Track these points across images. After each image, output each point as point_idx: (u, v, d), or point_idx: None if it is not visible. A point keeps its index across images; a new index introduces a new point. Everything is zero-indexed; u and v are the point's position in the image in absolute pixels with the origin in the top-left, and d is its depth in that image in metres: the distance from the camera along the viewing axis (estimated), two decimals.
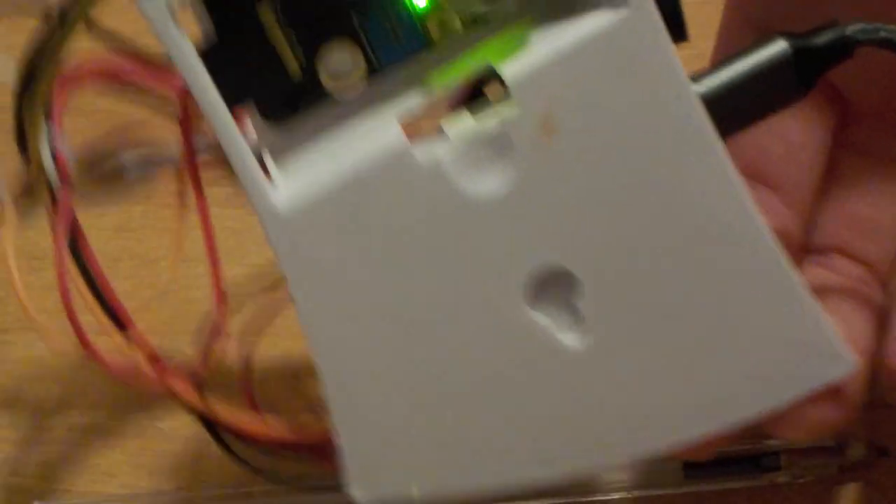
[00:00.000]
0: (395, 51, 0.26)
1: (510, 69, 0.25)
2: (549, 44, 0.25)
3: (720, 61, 0.27)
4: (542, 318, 0.26)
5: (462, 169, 0.25)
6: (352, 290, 0.26)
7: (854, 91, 0.31)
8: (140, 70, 0.30)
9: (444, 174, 0.25)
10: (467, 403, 0.27)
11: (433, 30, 0.26)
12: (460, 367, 0.26)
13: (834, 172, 0.32)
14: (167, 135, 0.32)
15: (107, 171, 0.31)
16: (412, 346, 0.26)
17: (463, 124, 0.25)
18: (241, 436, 0.29)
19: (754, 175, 0.30)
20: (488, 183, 0.25)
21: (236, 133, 0.24)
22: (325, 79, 0.26)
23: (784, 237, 0.27)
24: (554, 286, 0.26)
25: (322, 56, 0.26)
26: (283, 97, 0.26)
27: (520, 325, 0.26)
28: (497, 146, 0.25)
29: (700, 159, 0.26)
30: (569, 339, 0.26)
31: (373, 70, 0.26)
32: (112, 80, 0.31)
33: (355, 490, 0.27)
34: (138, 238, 0.41)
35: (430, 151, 0.25)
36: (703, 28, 0.28)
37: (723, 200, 0.26)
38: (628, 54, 0.25)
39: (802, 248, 0.32)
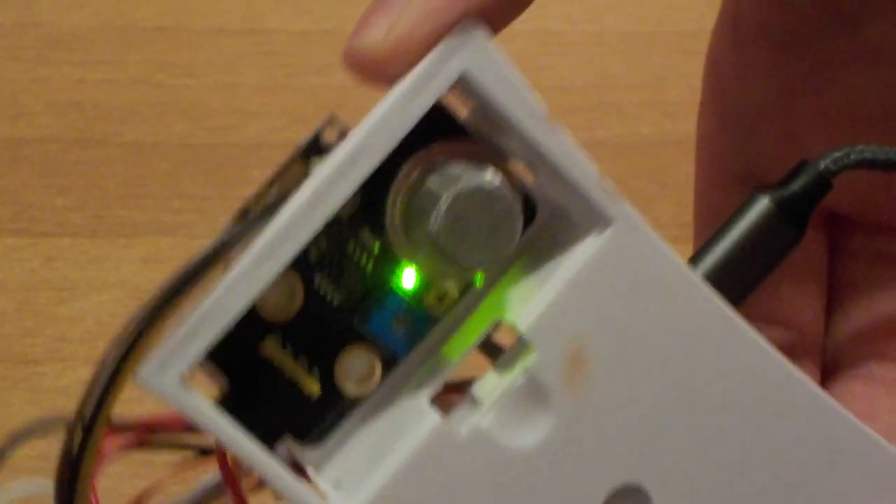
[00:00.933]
0: (406, 339, 0.26)
1: (521, 320, 0.25)
2: (548, 283, 0.25)
3: (713, 236, 0.27)
4: None
5: (503, 428, 0.25)
6: None
7: (841, 204, 0.31)
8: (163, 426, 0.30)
9: (487, 439, 0.25)
10: None
11: (432, 306, 0.26)
12: None
13: (838, 280, 0.32)
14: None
15: None
16: None
17: (490, 384, 0.25)
18: None
19: (766, 317, 0.31)
20: (532, 433, 0.25)
21: (279, 471, 0.24)
22: (346, 388, 0.26)
23: (813, 366, 0.28)
24: (626, 500, 0.26)
25: (338, 368, 0.26)
26: (312, 419, 0.26)
27: None
28: (530, 396, 0.25)
29: (723, 339, 0.26)
30: None
31: (389, 363, 0.26)
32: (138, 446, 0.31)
33: None
34: None
35: (468, 421, 0.25)
36: None
37: (757, 369, 0.26)
38: (626, 267, 0.25)
39: (834, 366, 0.32)
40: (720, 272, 0.27)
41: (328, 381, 0.26)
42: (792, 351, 0.27)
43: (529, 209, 0.26)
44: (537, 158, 0.25)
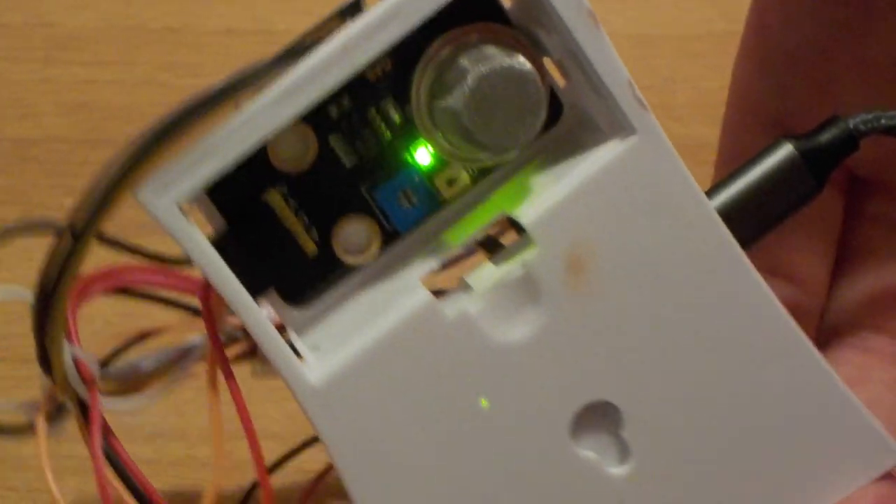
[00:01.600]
0: (409, 215, 0.26)
1: (527, 214, 0.25)
2: (561, 182, 0.25)
3: (732, 173, 0.27)
4: (589, 454, 0.26)
5: (491, 318, 0.25)
6: (395, 451, 0.25)
7: (864, 167, 0.31)
8: (150, 273, 0.30)
9: (473, 326, 0.25)
10: None
11: (442, 188, 0.26)
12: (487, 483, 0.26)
13: (849, 245, 0.32)
14: (185, 330, 0.32)
15: (129, 374, 0.31)
16: (461, 499, 0.26)
17: (486, 274, 0.25)
18: None
19: (770, 269, 0.30)
20: (520, 329, 0.25)
21: (263, 319, 0.24)
22: (342, 254, 0.26)
23: (809, 327, 0.27)
24: (598, 417, 0.26)
25: (337, 233, 0.26)
26: (303, 278, 0.26)
27: (568, 463, 0.26)
28: (524, 291, 0.25)
29: (727, 275, 0.26)
30: (616, 470, 0.26)
31: (389, 238, 0.26)
32: (123, 287, 0.31)
33: None
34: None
35: (457, 305, 0.25)
36: None
37: (755, 312, 0.26)
38: (643, 181, 0.25)
39: (832, 332, 0.32)
40: (733, 209, 0.27)
41: (325, 243, 0.26)
42: (790, 307, 0.27)
43: (555, 111, 0.26)
44: (573, 54, 0.24)
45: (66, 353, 0.27)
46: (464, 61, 0.24)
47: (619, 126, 0.25)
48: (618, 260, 0.25)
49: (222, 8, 0.50)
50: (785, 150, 0.27)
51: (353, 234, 0.26)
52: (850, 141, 0.27)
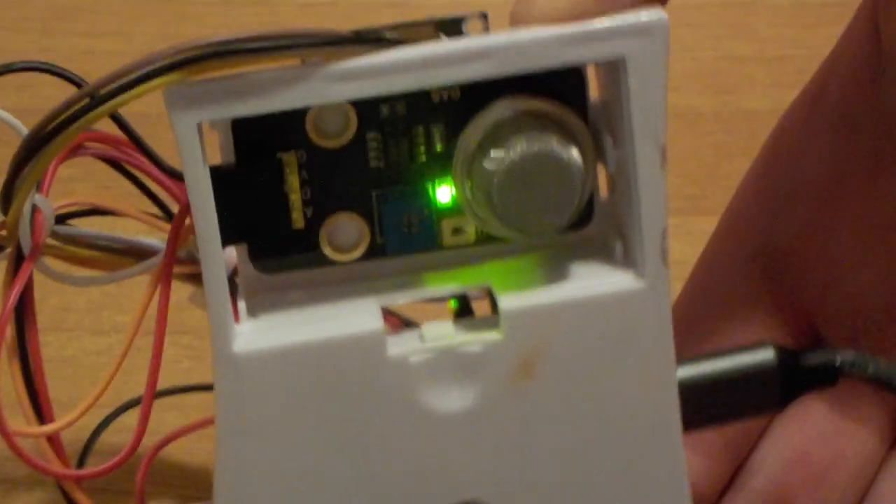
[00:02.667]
0: (403, 241, 0.26)
1: (508, 300, 0.24)
2: (553, 289, 0.25)
3: (705, 354, 0.27)
4: None
5: (426, 376, 0.25)
6: (277, 451, 0.25)
7: None
8: (144, 161, 0.30)
9: (407, 375, 0.24)
10: None
11: (446, 232, 0.26)
12: None
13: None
14: (147, 227, 0.32)
15: (77, 239, 0.31)
16: None
17: (443, 332, 0.25)
18: None
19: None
20: (445, 400, 0.25)
21: (221, 264, 0.24)
22: (324, 243, 0.25)
23: None
24: None
25: (329, 222, 0.26)
26: (277, 246, 0.25)
27: None
28: (469, 368, 0.25)
29: (655, 453, 0.25)
30: None
31: (374, 250, 0.26)
32: (114, 160, 0.31)
33: None
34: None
35: (403, 347, 0.24)
36: None
37: (667, 490, 0.26)
38: (628, 328, 0.25)
39: None
40: (694, 386, 0.26)
41: (314, 225, 0.25)
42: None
43: (584, 216, 0.26)
44: (627, 178, 0.24)
45: (31, 198, 0.26)
46: (521, 132, 0.24)
47: (633, 264, 0.25)
48: (564, 383, 0.25)
49: (204, 28, 0.50)
50: (765, 355, 0.26)
51: (343, 231, 0.26)
52: (830, 375, 0.27)
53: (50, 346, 0.43)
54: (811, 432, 0.30)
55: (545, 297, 0.25)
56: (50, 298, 0.44)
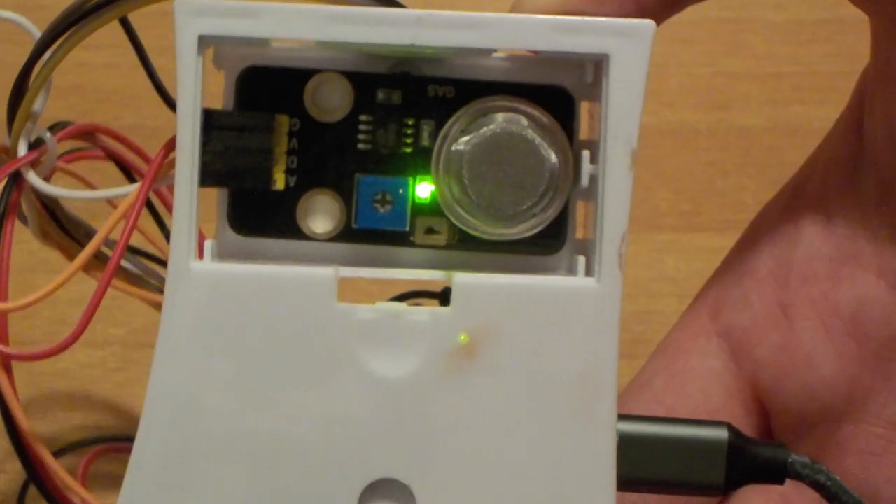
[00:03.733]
0: (377, 230, 0.26)
1: (463, 276, 0.25)
2: (511, 276, 0.25)
3: (659, 417, 0.27)
4: None
5: (369, 334, 0.25)
6: (209, 380, 0.25)
7: None
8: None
9: (351, 327, 0.25)
10: None
11: (419, 230, 0.26)
12: None
13: None
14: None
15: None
16: (229, 475, 0.25)
17: (394, 305, 0.25)
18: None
19: None
20: (381, 364, 0.25)
21: (193, 194, 0.24)
22: (300, 217, 0.26)
23: None
24: (388, 495, 0.25)
25: (308, 197, 0.26)
26: (255, 208, 0.26)
27: None
28: (412, 334, 0.25)
29: (590, 450, 0.25)
30: None
31: (347, 235, 0.26)
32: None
33: None
34: None
35: (353, 305, 0.25)
36: None
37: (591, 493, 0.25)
38: (575, 323, 0.25)
39: None
40: (633, 442, 0.26)
41: (293, 195, 0.26)
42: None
43: (558, 241, 0.26)
44: (595, 188, 0.25)
45: (38, 103, 0.27)
46: (498, 116, 0.25)
47: (591, 271, 0.25)
48: (505, 371, 0.25)
49: None
50: (718, 433, 0.26)
51: (321, 208, 0.26)
52: (779, 473, 0.26)
53: (43, 359, 0.43)
54: None
55: (499, 280, 0.25)
56: (44, 311, 0.44)
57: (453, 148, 0.25)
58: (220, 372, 0.25)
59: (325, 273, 0.25)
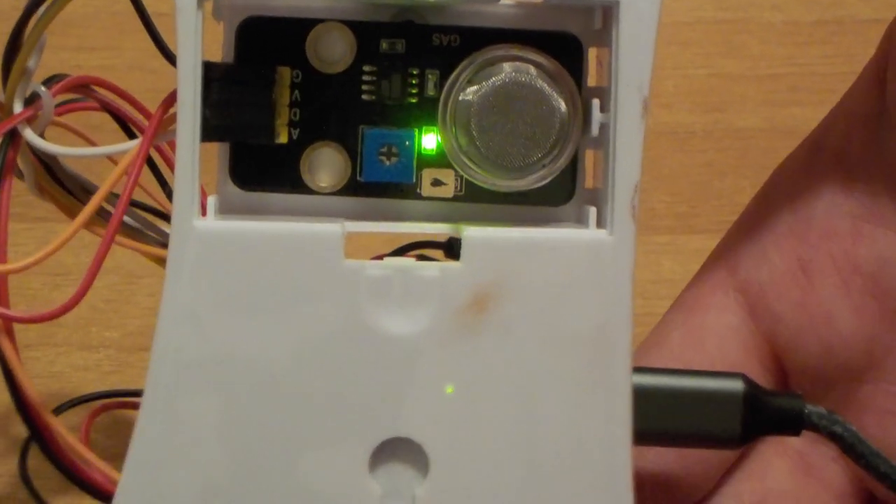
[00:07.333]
0: (383, 183, 0.26)
1: (470, 231, 0.24)
2: (522, 230, 0.25)
3: (674, 369, 0.26)
4: (376, 486, 0.25)
5: (378, 290, 0.24)
6: (215, 342, 0.24)
7: None
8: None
9: (360, 284, 0.24)
10: None
11: (425, 182, 0.26)
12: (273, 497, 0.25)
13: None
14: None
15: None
16: (238, 434, 0.24)
17: (402, 261, 0.25)
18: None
19: None
20: (394, 318, 0.24)
21: (195, 151, 0.24)
22: (304, 170, 0.26)
23: None
24: (404, 455, 0.25)
25: (311, 150, 0.26)
26: (257, 162, 0.26)
27: (351, 483, 0.24)
28: (422, 290, 0.24)
29: (606, 406, 0.25)
30: None
31: (352, 188, 0.26)
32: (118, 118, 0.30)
33: None
34: None
35: (361, 262, 0.24)
36: None
37: (608, 447, 0.25)
38: (589, 277, 0.24)
39: None
40: (650, 394, 0.26)
41: (296, 149, 0.26)
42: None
43: (567, 193, 0.26)
44: (606, 137, 0.24)
45: (33, 60, 0.26)
46: (506, 66, 0.24)
47: (603, 222, 0.25)
48: (516, 326, 0.24)
49: None
50: (734, 384, 0.26)
51: (325, 161, 0.26)
52: (796, 424, 0.26)
53: (38, 361, 0.42)
54: (770, 488, 0.30)
55: (509, 233, 0.24)
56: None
57: (461, 98, 0.24)
58: (226, 329, 0.24)
59: (332, 229, 0.24)
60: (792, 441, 0.29)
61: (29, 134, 0.27)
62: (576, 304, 0.24)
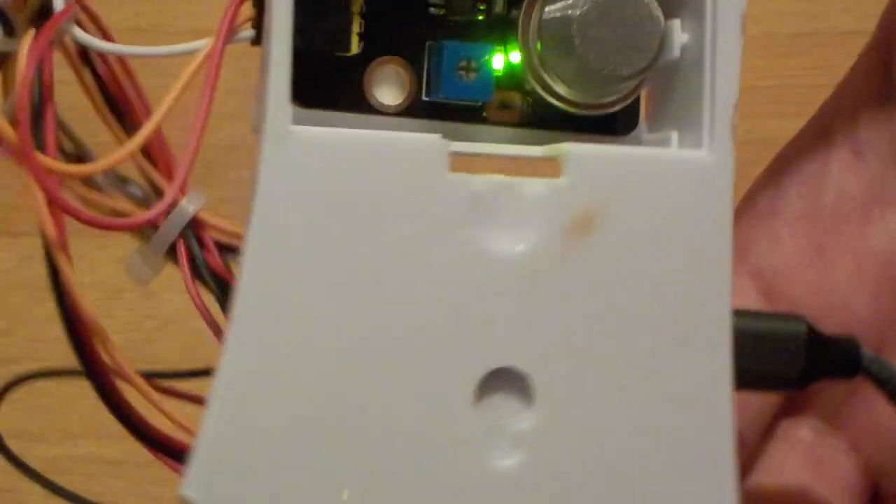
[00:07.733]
0: (449, 103, 0.25)
1: (575, 148, 0.23)
2: (624, 148, 0.24)
3: (738, 310, 0.26)
4: (481, 423, 0.23)
5: (484, 205, 0.23)
6: (310, 265, 0.22)
7: None
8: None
9: (465, 198, 0.23)
10: (359, 465, 0.23)
11: (492, 106, 0.25)
12: (370, 427, 0.23)
13: None
14: None
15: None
16: (334, 375, 0.22)
17: (507, 177, 0.23)
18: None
19: None
20: (500, 237, 0.23)
21: (288, 36, 0.22)
22: (367, 88, 0.24)
23: None
24: (510, 385, 0.23)
25: (376, 65, 0.24)
26: (323, 75, 0.24)
27: (459, 416, 0.23)
28: (527, 207, 0.23)
29: (706, 337, 0.24)
30: (502, 457, 0.23)
31: (417, 109, 0.25)
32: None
33: (189, 489, 0.22)
34: None
35: (465, 174, 0.23)
36: None
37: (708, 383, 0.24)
38: (692, 197, 0.24)
39: None
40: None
41: (361, 63, 0.24)
42: None
43: (629, 122, 0.26)
44: (695, 58, 0.24)
45: None
46: None
47: (699, 143, 0.24)
48: (622, 249, 0.23)
49: (191, 8, 0.50)
50: (797, 326, 0.26)
51: (389, 78, 0.25)
52: (852, 368, 0.26)
53: None
54: (786, 483, 0.30)
55: (613, 150, 0.24)
56: (21, 328, 0.44)
57: (553, 10, 0.24)
58: (325, 245, 0.22)
59: (438, 140, 0.23)
60: (801, 435, 0.30)
61: (78, 32, 0.25)
62: (679, 227, 0.24)
